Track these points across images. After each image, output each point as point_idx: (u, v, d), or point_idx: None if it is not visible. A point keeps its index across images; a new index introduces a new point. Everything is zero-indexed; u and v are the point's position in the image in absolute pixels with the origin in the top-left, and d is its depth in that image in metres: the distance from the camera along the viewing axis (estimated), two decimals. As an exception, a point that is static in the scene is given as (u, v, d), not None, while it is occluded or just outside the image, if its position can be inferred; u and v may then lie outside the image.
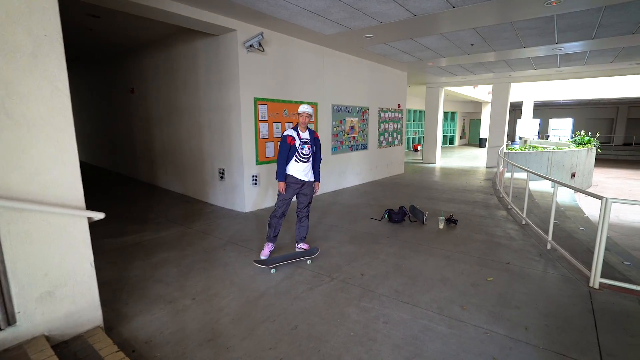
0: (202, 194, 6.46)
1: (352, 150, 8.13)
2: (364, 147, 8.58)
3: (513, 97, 18.27)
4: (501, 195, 7.10)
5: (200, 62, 5.91)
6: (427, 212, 5.26)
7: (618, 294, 3.10)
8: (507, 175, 7.86)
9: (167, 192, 7.19)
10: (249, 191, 5.70)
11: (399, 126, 10.19)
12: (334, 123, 7.41)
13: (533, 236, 4.63)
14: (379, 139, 9.16)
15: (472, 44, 6.62)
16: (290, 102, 6.21)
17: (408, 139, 19.49)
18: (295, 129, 3.61)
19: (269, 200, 6.11)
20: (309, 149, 3.64)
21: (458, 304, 2.90)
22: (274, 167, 6.03)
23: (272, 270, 3.42)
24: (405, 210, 5.23)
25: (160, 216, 5.43)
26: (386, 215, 5.26)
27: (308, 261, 3.62)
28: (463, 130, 26.92)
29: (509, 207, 6.11)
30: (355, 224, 5.10)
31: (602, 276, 3.21)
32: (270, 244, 3.76)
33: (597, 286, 3.20)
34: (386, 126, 9.48)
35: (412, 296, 2.98)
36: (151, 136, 7.73)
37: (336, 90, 7.38)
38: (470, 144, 26.43)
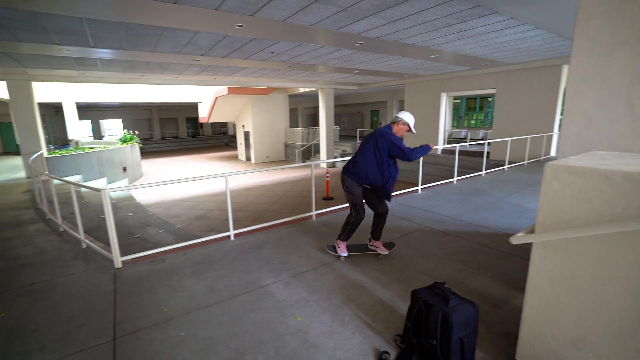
0: None
1: None
2: None
3: (49, 97, 19.74)
4: (39, 207, 7.43)
5: None
6: None
7: (138, 265, 4.13)
8: (57, 182, 8.32)
9: None
10: None
11: None
12: None
13: (70, 241, 5.15)
14: None
15: None
16: None
17: None
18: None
19: None
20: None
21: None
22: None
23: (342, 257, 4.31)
24: None
25: None
26: None
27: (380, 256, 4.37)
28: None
29: (47, 217, 6.51)
30: None
31: (126, 254, 4.23)
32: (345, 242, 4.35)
33: (120, 265, 4.16)
34: None
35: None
36: None
37: None
38: (6, 152, 24.84)
